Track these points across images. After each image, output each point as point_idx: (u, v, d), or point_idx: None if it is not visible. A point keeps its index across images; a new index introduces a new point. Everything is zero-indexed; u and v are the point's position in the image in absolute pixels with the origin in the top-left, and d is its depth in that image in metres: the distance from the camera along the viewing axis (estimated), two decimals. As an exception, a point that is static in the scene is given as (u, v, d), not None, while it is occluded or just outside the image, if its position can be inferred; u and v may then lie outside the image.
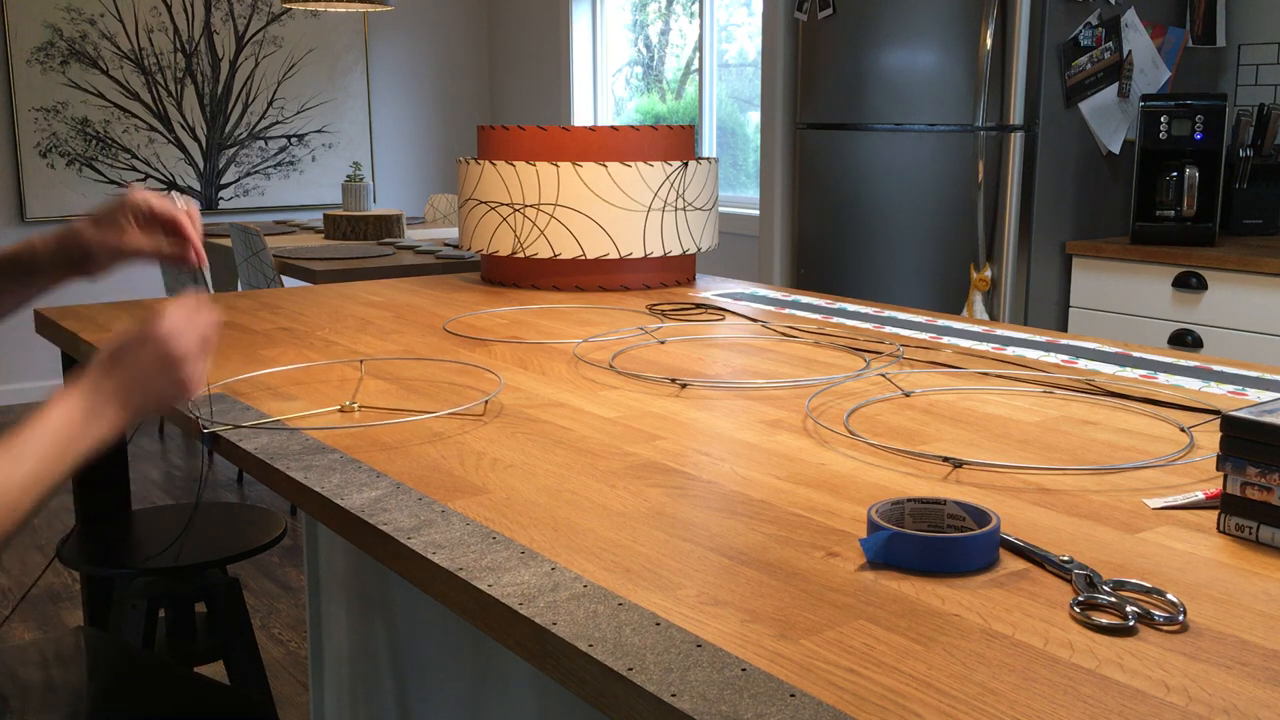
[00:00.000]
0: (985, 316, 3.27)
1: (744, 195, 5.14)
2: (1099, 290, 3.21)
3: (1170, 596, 0.81)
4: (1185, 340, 3.01)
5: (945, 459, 1.15)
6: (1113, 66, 3.26)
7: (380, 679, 2.00)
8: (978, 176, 3.19)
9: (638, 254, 2.21)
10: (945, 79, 3.26)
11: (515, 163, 2.19)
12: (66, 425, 1.02)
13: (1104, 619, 0.79)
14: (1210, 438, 1.23)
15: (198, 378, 1.11)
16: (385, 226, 4.29)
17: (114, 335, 1.24)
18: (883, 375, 1.52)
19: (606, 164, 2.16)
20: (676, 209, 2.23)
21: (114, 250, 1.24)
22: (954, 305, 3.34)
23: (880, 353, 1.66)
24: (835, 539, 0.95)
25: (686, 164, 2.23)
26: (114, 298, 5.65)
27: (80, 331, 1.83)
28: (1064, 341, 1.74)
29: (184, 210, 1.26)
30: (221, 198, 5.85)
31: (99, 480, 2.09)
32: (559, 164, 2.16)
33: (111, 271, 1.28)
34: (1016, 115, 3.15)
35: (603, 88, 5.98)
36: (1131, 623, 0.78)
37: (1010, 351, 1.67)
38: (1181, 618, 0.79)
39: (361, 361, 1.61)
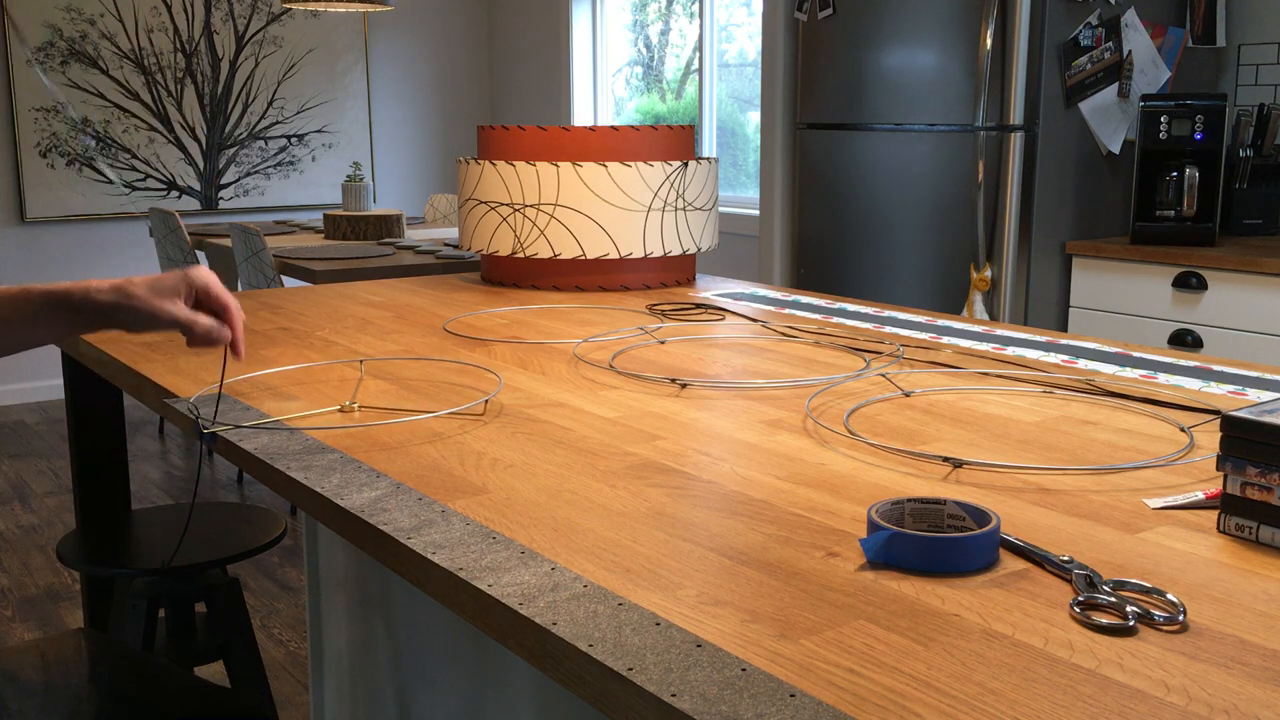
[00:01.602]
0: (985, 316, 3.27)
1: (744, 195, 5.14)
2: (1099, 290, 3.21)
3: (1170, 596, 0.81)
4: (1185, 340, 3.01)
5: (945, 459, 1.15)
6: (1113, 66, 3.26)
7: (380, 679, 2.00)
8: (978, 176, 3.19)
9: (638, 254, 2.21)
10: (945, 79, 3.26)
11: (515, 163, 2.19)
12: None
13: (1104, 619, 0.79)
14: (1210, 438, 1.23)
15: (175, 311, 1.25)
16: (385, 226, 4.29)
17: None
18: (883, 375, 1.52)
19: (606, 164, 2.16)
20: (676, 209, 2.23)
21: (153, 314, 1.25)
22: (954, 305, 3.34)
23: (880, 353, 1.66)
24: (835, 539, 0.95)
25: (686, 164, 2.23)
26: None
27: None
28: (1064, 341, 1.74)
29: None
30: (221, 198, 5.85)
31: (99, 480, 2.09)
32: (559, 164, 2.16)
33: (147, 332, 1.29)
34: (1016, 115, 3.15)
35: (603, 88, 5.98)
36: (1131, 623, 0.78)
37: (1010, 351, 1.67)
38: (1181, 618, 0.79)
39: (361, 361, 1.61)
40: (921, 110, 3.33)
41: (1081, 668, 0.72)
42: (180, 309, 1.26)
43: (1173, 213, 3.14)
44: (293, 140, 6.00)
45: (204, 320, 1.26)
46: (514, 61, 6.35)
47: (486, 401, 1.39)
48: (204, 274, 1.28)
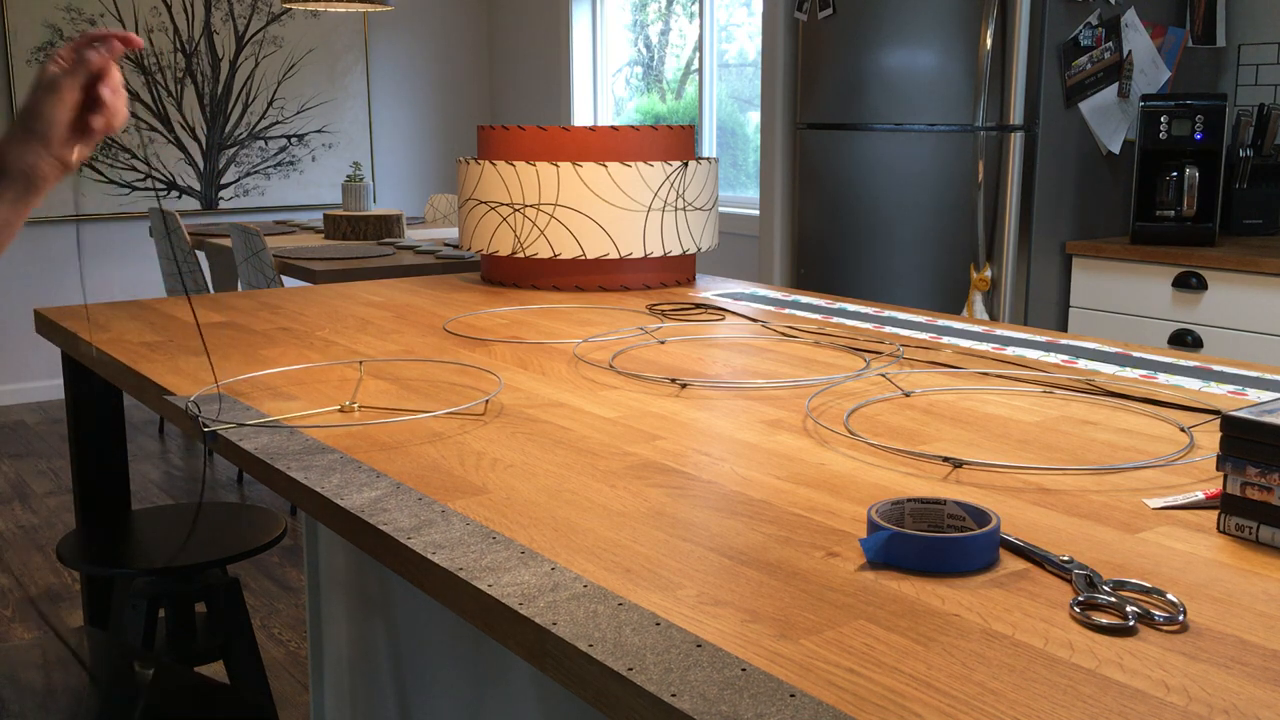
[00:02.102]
0: (985, 316, 3.27)
1: (744, 195, 5.14)
2: (1099, 290, 3.21)
3: (1170, 596, 0.81)
4: (1185, 340, 3.01)
5: (945, 459, 1.15)
6: (1113, 66, 3.26)
7: (380, 679, 2.00)
8: (978, 176, 3.19)
9: (638, 254, 2.21)
10: (945, 79, 3.26)
11: (515, 163, 2.19)
12: None
13: (1104, 619, 0.79)
14: (1210, 438, 1.23)
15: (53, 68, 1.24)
16: (385, 226, 4.29)
17: None
18: (883, 375, 1.52)
19: (606, 164, 2.16)
20: (676, 209, 2.23)
21: (51, 84, 1.23)
22: (954, 305, 3.34)
23: (880, 353, 1.66)
24: (835, 539, 0.95)
25: (686, 164, 2.23)
26: (113, 297, 5.65)
27: (80, 331, 1.83)
28: (1064, 341, 1.74)
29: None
30: (221, 198, 5.85)
31: (99, 480, 2.09)
32: (559, 164, 2.16)
33: (61, 134, 1.24)
34: (1016, 115, 3.15)
35: (603, 88, 5.98)
36: (1131, 623, 0.78)
37: (1010, 351, 1.67)
38: (1181, 618, 0.79)
39: (361, 362, 1.61)
40: (921, 110, 3.33)
41: (1081, 668, 0.72)
42: (65, 61, 1.25)
43: (1173, 213, 3.14)
44: (293, 140, 6.00)
45: (90, 54, 1.25)
46: (514, 61, 6.35)
47: (486, 401, 1.39)
48: (63, 49, 1.29)
